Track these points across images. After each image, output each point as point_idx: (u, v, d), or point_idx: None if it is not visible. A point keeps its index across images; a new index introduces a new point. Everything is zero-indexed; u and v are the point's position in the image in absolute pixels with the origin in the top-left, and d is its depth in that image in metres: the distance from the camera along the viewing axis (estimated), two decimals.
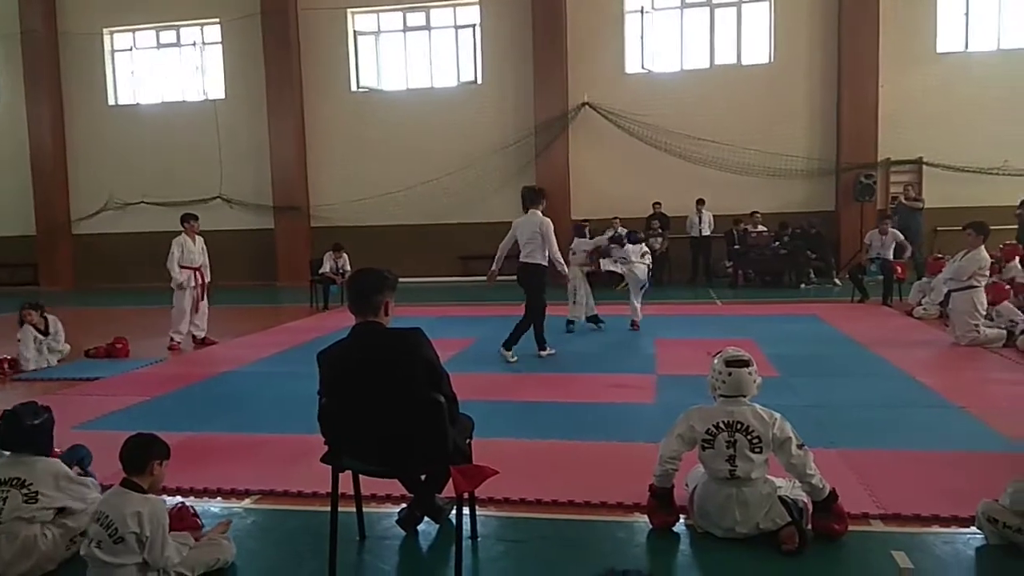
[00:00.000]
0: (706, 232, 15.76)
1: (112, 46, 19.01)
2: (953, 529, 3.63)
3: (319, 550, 3.40)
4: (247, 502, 4.24)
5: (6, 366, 8.13)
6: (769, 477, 3.59)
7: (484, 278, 16.96)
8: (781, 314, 11.01)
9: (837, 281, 14.52)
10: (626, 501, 3.97)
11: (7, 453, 3.57)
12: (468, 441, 3.53)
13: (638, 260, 9.82)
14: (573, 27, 16.61)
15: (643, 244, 10.24)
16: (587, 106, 16.66)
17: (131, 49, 19.02)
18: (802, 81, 16.18)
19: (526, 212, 8.06)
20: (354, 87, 17.92)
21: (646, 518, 3.75)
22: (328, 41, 17.74)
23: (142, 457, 3.25)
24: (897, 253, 11.81)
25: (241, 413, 6.25)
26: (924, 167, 15.69)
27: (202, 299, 9.79)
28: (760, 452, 3.49)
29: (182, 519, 3.55)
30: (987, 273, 8.64)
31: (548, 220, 7.97)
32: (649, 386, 6.76)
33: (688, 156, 16.06)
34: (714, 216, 15.78)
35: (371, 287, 3.31)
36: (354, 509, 3.72)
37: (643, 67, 16.84)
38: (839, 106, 15.90)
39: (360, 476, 3.64)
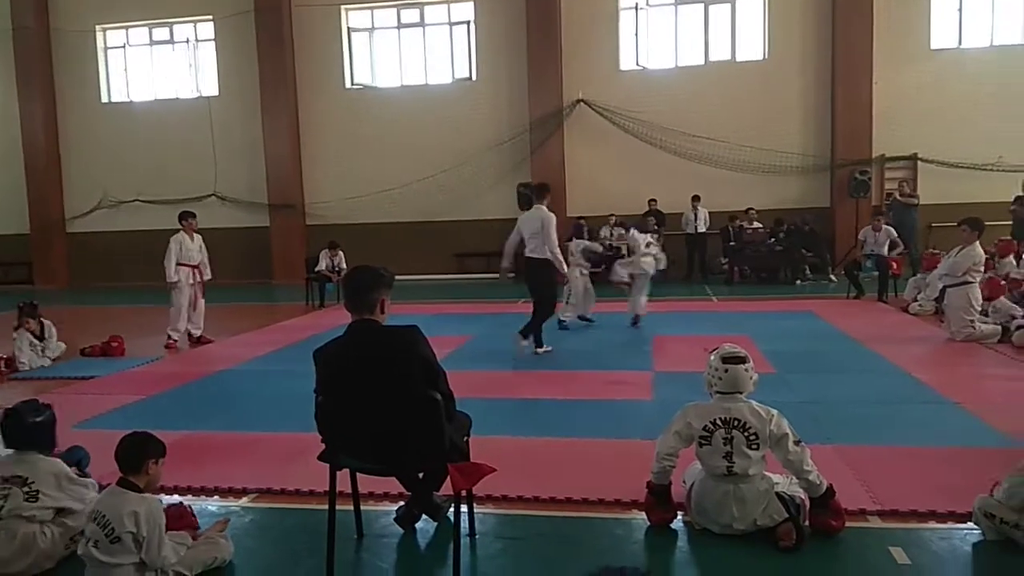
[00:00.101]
0: (702, 229, 15.76)
1: (105, 43, 18.93)
2: (950, 525, 3.64)
3: (317, 548, 3.40)
4: (244, 500, 4.23)
5: (2, 365, 8.12)
6: (766, 473, 3.59)
7: (479, 275, 17.03)
8: (777, 311, 11.04)
9: (833, 277, 14.55)
10: (624, 498, 3.97)
11: (10, 451, 3.59)
12: (465, 439, 3.53)
13: (643, 251, 9.78)
14: (567, 23, 16.60)
15: (649, 235, 10.14)
16: (582, 103, 16.65)
17: (124, 46, 18.94)
18: (796, 77, 16.20)
19: (530, 207, 8.06)
20: (348, 84, 17.88)
21: (644, 515, 3.75)
22: (322, 38, 17.70)
23: (137, 456, 3.24)
24: (891, 249, 11.83)
25: (238, 411, 6.24)
26: (919, 163, 15.73)
27: (200, 297, 9.77)
28: (757, 448, 3.49)
29: (180, 518, 3.54)
30: (982, 269, 8.67)
31: (551, 215, 7.98)
32: (646, 383, 6.76)
33: (683, 153, 16.07)
34: (709, 213, 15.78)
35: (367, 285, 3.31)
36: (352, 507, 3.71)
37: (638, 64, 16.84)
38: (833, 102, 15.93)
39: (357, 474, 3.64)
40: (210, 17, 18.10)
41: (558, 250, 7.96)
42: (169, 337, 9.50)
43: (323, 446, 3.34)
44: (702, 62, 16.70)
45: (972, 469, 4.19)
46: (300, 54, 17.72)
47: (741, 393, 3.61)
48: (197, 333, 9.75)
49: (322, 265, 13.01)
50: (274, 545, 3.70)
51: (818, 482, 3.52)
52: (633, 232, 10.10)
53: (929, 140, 15.50)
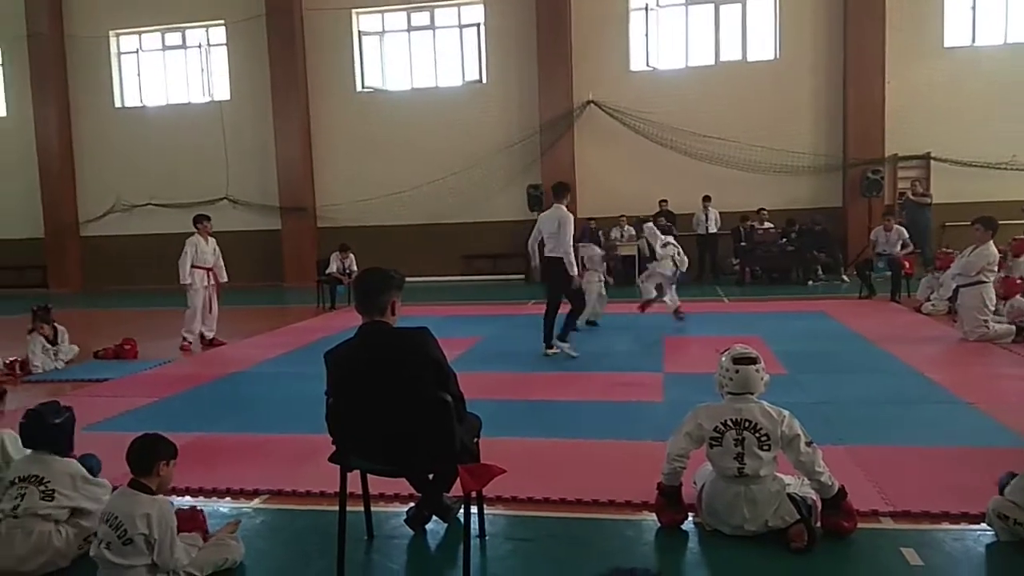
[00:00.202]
0: (713, 229, 15.72)
1: (118, 48, 19.08)
2: (963, 526, 3.61)
3: (327, 549, 3.41)
4: (256, 502, 4.25)
5: (17, 368, 8.18)
6: (778, 474, 3.57)
7: (489, 277, 17.04)
8: (788, 311, 10.99)
9: (845, 278, 14.47)
10: (634, 499, 3.96)
11: (28, 451, 3.64)
12: (476, 440, 3.53)
13: (660, 251, 9.77)
14: (577, 25, 16.59)
15: (668, 235, 10.11)
16: (592, 104, 16.64)
17: (137, 51, 19.08)
18: (808, 77, 16.13)
19: (550, 207, 8.10)
20: (359, 87, 17.94)
21: (654, 516, 3.74)
22: (333, 41, 17.77)
23: (148, 458, 3.26)
24: (901, 249, 11.76)
25: (249, 413, 6.27)
26: (932, 162, 15.62)
27: (215, 300, 9.84)
28: (768, 450, 3.48)
29: (191, 520, 3.55)
30: (996, 268, 8.60)
31: (569, 215, 7.98)
32: (657, 384, 6.74)
33: (694, 153, 16.03)
34: (720, 213, 15.75)
35: (377, 287, 3.32)
36: (362, 508, 3.72)
37: (648, 64, 16.80)
38: (845, 102, 15.85)
39: (368, 475, 3.64)
40: (222, 22, 18.21)
41: (572, 250, 7.95)
42: (184, 339, 9.56)
43: (334, 448, 3.35)
44: (712, 62, 16.65)
45: (985, 470, 4.15)
46: (311, 58, 17.79)
47: (752, 394, 3.59)
48: (210, 335, 9.80)
49: (333, 267, 13.06)
50: (285, 546, 3.71)
51: (830, 483, 3.50)
52: (649, 225, 10.11)
53: (942, 139, 15.38)
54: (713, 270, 15.82)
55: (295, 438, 5.29)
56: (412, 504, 3.85)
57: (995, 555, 3.38)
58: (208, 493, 4.37)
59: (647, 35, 16.76)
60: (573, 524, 3.81)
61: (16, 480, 3.48)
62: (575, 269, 7.89)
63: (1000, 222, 8.80)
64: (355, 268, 12.75)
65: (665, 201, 15.95)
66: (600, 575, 2.73)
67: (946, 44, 15.68)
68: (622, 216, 15.82)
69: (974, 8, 15.71)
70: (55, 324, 8.71)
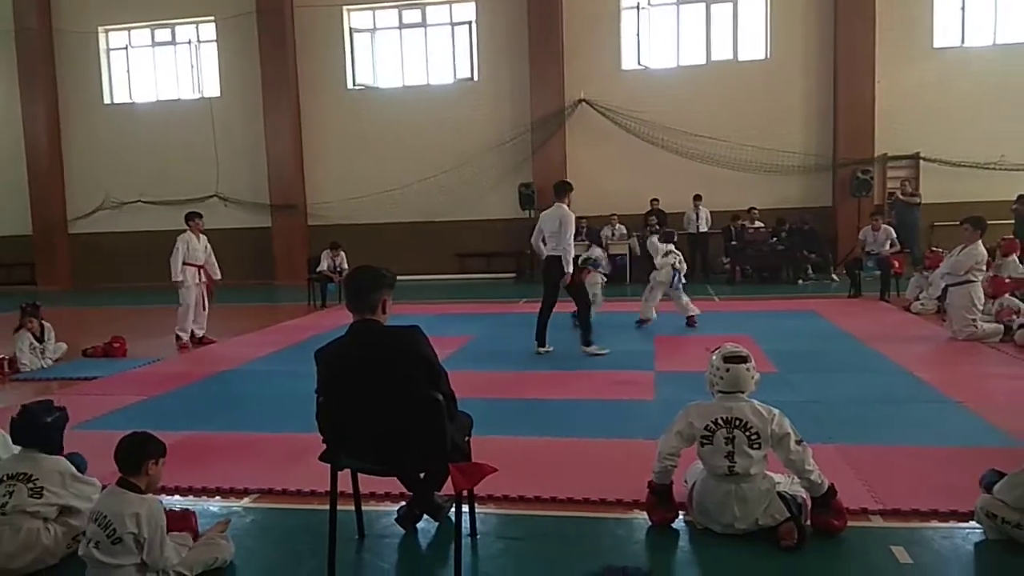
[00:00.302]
0: (703, 228, 15.77)
1: (107, 44, 18.96)
2: (952, 524, 3.63)
3: (318, 549, 3.39)
4: (246, 501, 4.23)
5: (5, 366, 8.13)
6: (768, 473, 3.58)
7: (481, 276, 17.02)
8: (779, 310, 11.03)
9: (835, 277, 14.54)
10: (625, 498, 3.97)
11: (18, 448, 3.64)
12: (467, 439, 3.53)
13: (661, 262, 9.76)
14: (569, 23, 16.59)
15: (669, 244, 10.11)
16: (584, 103, 16.65)
17: (126, 47, 18.97)
18: (798, 77, 16.19)
19: (551, 206, 8.12)
20: (350, 84, 17.90)
21: (645, 515, 3.75)
22: (324, 39, 17.71)
23: (137, 456, 3.24)
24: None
25: (239, 412, 6.24)
26: (921, 162, 15.71)
27: (209, 298, 9.81)
28: (759, 448, 3.49)
29: (183, 521, 3.53)
30: (984, 268, 8.65)
31: (571, 214, 8.00)
32: (648, 383, 6.75)
33: (685, 152, 16.06)
34: (711, 212, 15.79)
35: (368, 285, 3.31)
36: (353, 507, 3.71)
37: (639, 63, 16.83)
38: (835, 102, 15.91)
39: (359, 474, 3.63)
40: (212, 18, 18.12)
41: (572, 250, 7.95)
42: (178, 337, 9.54)
43: (324, 446, 3.34)
44: (704, 61, 16.69)
45: (974, 468, 4.16)
46: (302, 55, 17.73)
47: (743, 392, 3.60)
48: (200, 333, 9.77)
49: (324, 265, 13.02)
50: (275, 545, 3.70)
51: (820, 481, 3.51)
52: (653, 240, 10.14)
53: (931, 139, 15.47)
54: (704, 269, 15.84)
55: (286, 437, 5.27)
56: (403, 503, 3.84)
57: (983, 553, 3.40)
58: (198, 492, 4.35)
59: (638, 34, 16.79)
60: (564, 523, 3.82)
61: (4, 478, 3.47)
62: (571, 267, 7.89)
63: (989, 222, 8.85)
64: (346, 266, 12.72)
65: (656, 200, 16.01)
66: (592, 574, 2.75)
67: (936, 45, 15.77)
68: (613, 215, 15.84)
69: (963, 9, 15.80)
70: (42, 321, 8.65)
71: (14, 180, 18.76)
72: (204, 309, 9.80)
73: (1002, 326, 8.28)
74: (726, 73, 16.41)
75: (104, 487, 3.43)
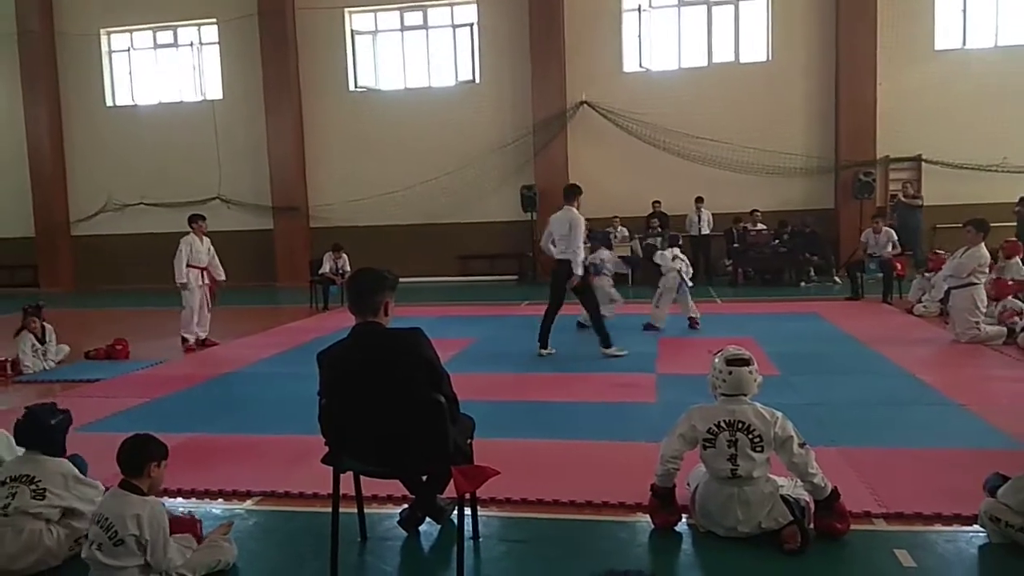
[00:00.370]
0: (705, 231, 15.74)
1: (109, 47, 18.97)
2: (955, 527, 3.63)
3: (321, 551, 3.40)
4: (248, 503, 4.23)
5: (8, 368, 8.13)
6: (771, 476, 3.58)
7: (483, 277, 17.00)
8: (781, 312, 11.02)
9: (837, 279, 14.51)
10: (628, 501, 3.96)
11: (22, 450, 3.65)
12: (469, 441, 3.53)
13: (668, 266, 9.76)
14: (570, 25, 16.59)
15: (675, 248, 10.11)
16: (585, 105, 16.64)
17: (128, 50, 18.98)
18: (800, 79, 16.18)
19: (560, 209, 8.14)
20: (352, 87, 17.89)
21: (648, 518, 3.75)
22: (325, 41, 17.72)
23: (139, 459, 3.25)
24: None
25: (242, 414, 6.25)
26: (923, 164, 15.69)
27: (212, 300, 9.82)
28: (761, 451, 3.48)
29: (189, 527, 3.52)
30: (987, 270, 8.65)
31: (580, 217, 8.01)
32: (650, 385, 6.75)
33: (687, 155, 16.05)
34: (713, 215, 15.76)
35: (371, 287, 3.31)
36: (355, 510, 3.71)
37: (641, 65, 16.82)
38: (837, 104, 15.89)
39: (361, 477, 3.63)
40: (214, 20, 18.14)
41: (581, 252, 7.95)
42: (184, 340, 9.54)
43: (327, 449, 3.34)
44: (705, 64, 16.68)
45: (977, 471, 4.16)
46: (304, 57, 17.74)
47: (745, 395, 3.59)
48: (203, 335, 9.77)
49: (326, 267, 13.03)
50: (278, 548, 3.70)
51: (823, 484, 3.51)
52: (660, 254, 10.17)
53: (933, 141, 15.45)
54: (706, 271, 15.82)
55: (288, 439, 5.28)
56: (405, 506, 3.84)
57: (987, 557, 3.39)
58: (201, 494, 4.35)
59: (640, 36, 16.77)
60: (567, 526, 3.81)
61: (8, 479, 3.48)
62: (580, 270, 7.88)
63: (991, 224, 8.84)
64: (348, 268, 12.72)
65: (658, 202, 16.00)
66: None
67: (937, 47, 15.75)
68: (615, 217, 15.82)
69: (965, 11, 15.78)
70: (44, 323, 8.65)
71: (17, 182, 18.77)
72: (207, 311, 9.81)
73: (1005, 328, 8.27)
74: (728, 75, 16.40)
75: (107, 489, 3.43)
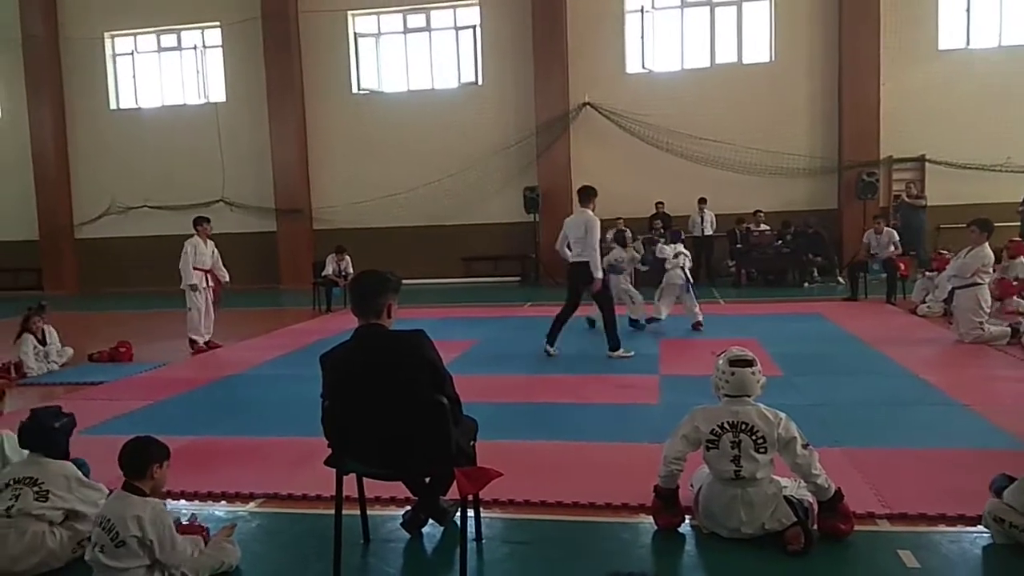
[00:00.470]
0: (708, 231, 15.73)
1: (113, 50, 19.03)
2: (959, 528, 3.62)
3: (324, 553, 3.40)
4: (251, 506, 4.24)
5: (12, 371, 8.15)
6: (774, 477, 3.57)
7: (486, 279, 17.01)
8: (785, 313, 11.00)
9: (841, 280, 14.49)
10: (631, 502, 3.96)
11: (26, 452, 3.66)
12: (472, 443, 3.53)
13: (672, 263, 9.75)
14: (573, 27, 16.60)
15: (678, 244, 10.09)
16: (588, 106, 16.65)
17: (132, 53, 19.03)
18: (803, 79, 16.16)
19: (577, 210, 8.15)
20: (355, 89, 17.92)
21: (651, 519, 3.74)
22: (329, 43, 17.75)
23: (141, 460, 3.25)
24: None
25: (245, 416, 6.25)
26: (927, 164, 15.66)
27: (215, 302, 9.84)
28: (765, 452, 3.48)
29: (196, 530, 3.53)
30: (991, 270, 8.63)
31: (595, 218, 7.99)
32: (653, 386, 6.74)
33: (690, 156, 16.04)
34: (716, 215, 15.76)
35: (373, 289, 3.31)
36: (358, 512, 3.71)
37: (644, 67, 16.82)
38: (840, 104, 15.88)
39: (364, 479, 3.63)
40: (217, 24, 18.18)
41: (598, 254, 7.93)
42: (193, 342, 9.54)
43: (330, 451, 3.35)
44: (708, 65, 16.67)
45: (981, 472, 4.15)
46: (307, 60, 17.77)
47: (749, 396, 3.59)
48: (206, 337, 9.78)
49: (329, 270, 13.05)
50: (281, 550, 3.70)
51: (826, 485, 3.50)
52: (660, 246, 10.15)
53: (937, 141, 15.42)
54: (709, 272, 15.82)
55: (291, 441, 5.28)
56: (408, 507, 3.84)
57: (991, 558, 3.38)
58: (204, 497, 4.35)
59: (643, 37, 16.77)
60: (570, 527, 3.81)
61: (11, 482, 3.49)
62: (600, 272, 7.88)
63: (995, 224, 8.83)
64: (351, 270, 12.74)
65: (661, 203, 15.99)
66: None
67: (940, 47, 15.72)
68: (619, 218, 15.79)
69: (968, 11, 15.75)
70: (44, 325, 8.66)
71: (21, 186, 18.82)
72: (211, 313, 9.82)
73: (1009, 328, 8.25)
74: (731, 76, 16.39)
75: (110, 492, 3.44)
